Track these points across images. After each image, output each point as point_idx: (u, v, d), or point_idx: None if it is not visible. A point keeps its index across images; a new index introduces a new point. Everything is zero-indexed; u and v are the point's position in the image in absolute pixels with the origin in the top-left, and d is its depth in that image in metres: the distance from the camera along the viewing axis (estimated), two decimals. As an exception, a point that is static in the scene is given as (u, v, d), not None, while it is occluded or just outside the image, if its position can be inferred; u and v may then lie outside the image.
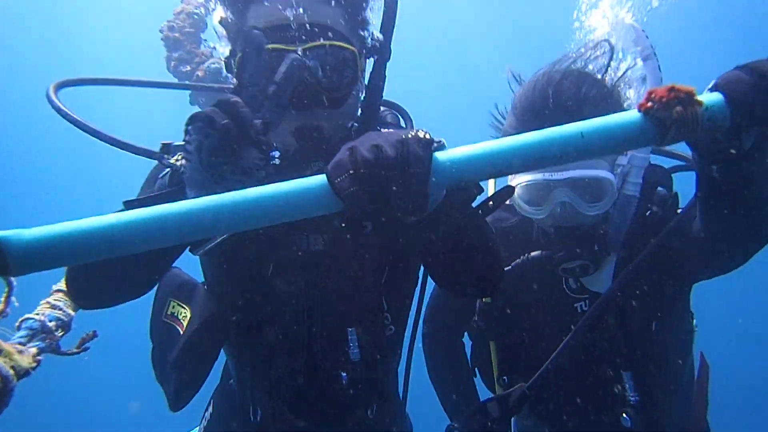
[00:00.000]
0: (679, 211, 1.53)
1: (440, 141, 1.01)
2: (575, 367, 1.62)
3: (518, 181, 1.50)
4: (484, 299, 1.71)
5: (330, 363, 1.48)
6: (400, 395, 1.82)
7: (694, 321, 1.89)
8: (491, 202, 1.16)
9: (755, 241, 1.30)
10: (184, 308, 1.47)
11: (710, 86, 0.99)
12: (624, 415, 1.54)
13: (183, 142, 1.03)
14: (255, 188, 0.96)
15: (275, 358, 1.49)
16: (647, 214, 1.54)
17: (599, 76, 1.51)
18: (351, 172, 0.94)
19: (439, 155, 1.01)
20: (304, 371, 1.49)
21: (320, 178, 0.98)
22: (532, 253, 1.58)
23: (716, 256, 1.42)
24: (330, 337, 1.47)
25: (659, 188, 1.57)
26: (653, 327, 1.57)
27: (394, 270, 1.49)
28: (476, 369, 1.89)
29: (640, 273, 1.47)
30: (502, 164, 1.01)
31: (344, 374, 1.48)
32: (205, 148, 1.00)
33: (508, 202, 1.67)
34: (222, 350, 1.57)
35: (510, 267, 1.61)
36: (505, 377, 1.76)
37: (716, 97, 0.96)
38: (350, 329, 1.46)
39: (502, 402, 1.55)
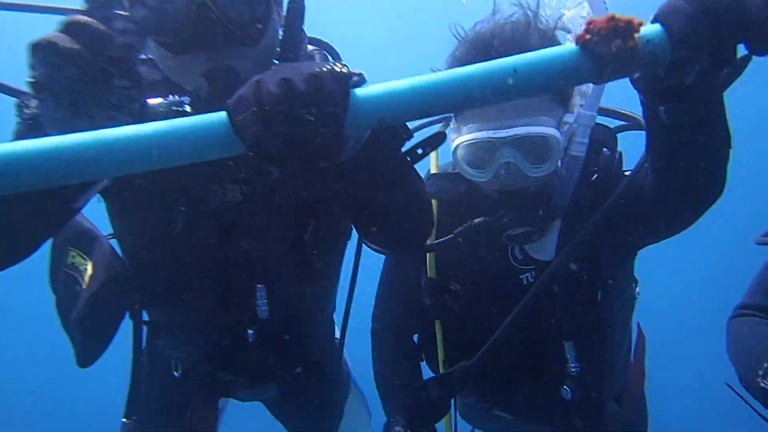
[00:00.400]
0: (627, 173, 1.46)
1: (359, 75, 0.90)
2: (518, 340, 1.55)
3: (460, 140, 1.41)
4: (429, 274, 1.61)
5: (237, 320, 1.43)
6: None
7: (638, 288, 1.86)
8: (420, 149, 1.06)
9: (708, 192, 1.22)
10: (86, 261, 1.37)
11: (652, 18, 0.91)
12: (564, 386, 1.49)
13: (31, 79, 0.88)
14: (146, 125, 0.83)
15: (188, 314, 1.44)
16: (593, 177, 1.46)
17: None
18: (254, 109, 0.83)
19: (359, 92, 0.90)
20: (215, 327, 1.45)
21: (220, 116, 0.86)
22: (476, 220, 1.48)
23: (667, 215, 1.34)
24: (239, 293, 1.40)
25: (604, 149, 1.50)
26: (598, 295, 1.51)
27: (320, 224, 1.40)
28: (423, 355, 1.80)
29: (587, 240, 1.41)
30: (429, 102, 0.91)
31: (250, 332, 1.43)
32: (58, 82, 0.86)
33: (453, 169, 1.58)
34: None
35: (452, 235, 1.51)
36: (450, 357, 1.67)
37: (656, 29, 0.88)
38: (259, 286, 1.39)
39: (443, 381, 1.47)
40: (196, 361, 1.59)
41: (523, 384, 1.63)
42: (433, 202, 1.57)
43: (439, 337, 1.62)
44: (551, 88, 0.92)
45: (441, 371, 1.63)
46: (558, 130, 1.37)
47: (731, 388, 1.38)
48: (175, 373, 1.65)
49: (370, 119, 0.91)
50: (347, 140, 0.96)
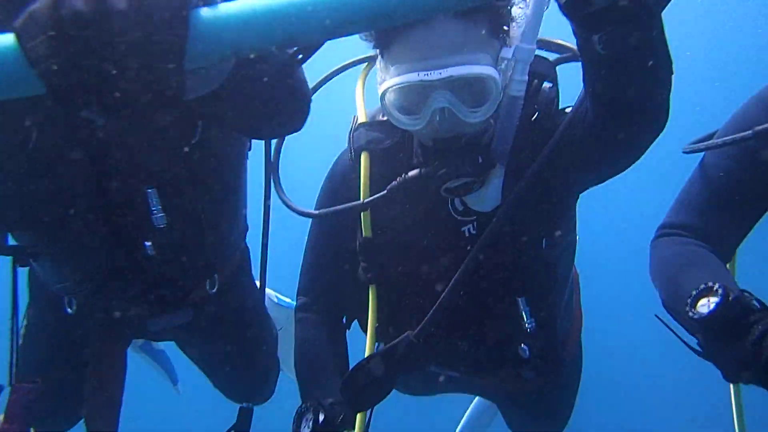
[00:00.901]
0: (567, 110, 1.33)
1: None
2: (465, 298, 1.44)
3: (388, 84, 1.23)
4: (363, 234, 1.45)
5: (130, 232, 1.32)
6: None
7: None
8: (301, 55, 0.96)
9: (651, 123, 1.13)
10: None
11: None
12: (522, 345, 1.40)
13: None
14: None
15: (72, 238, 1.30)
16: (534, 117, 1.33)
17: None
18: (51, 33, 0.61)
19: (205, 12, 0.69)
20: (105, 244, 1.32)
21: (6, 39, 0.64)
22: (410, 173, 1.32)
23: (609, 151, 1.24)
24: (127, 200, 1.28)
25: (545, 83, 1.33)
26: (543, 244, 1.40)
27: (208, 127, 1.28)
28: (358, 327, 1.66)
29: (530, 187, 1.28)
30: (305, 24, 0.70)
31: (148, 243, 1.33)
32: None
33: (383, 117, 1.41)
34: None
35: (386, 191, 1.36)
36: (390, 327, 1.52)
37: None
38: (149, 190, 1.28)
39: (387, 356, 1.30)
40: (90, 291, 1.45)
41: (474, 344, 1.53)
42: (363, 154, 1.43)
43: (372, 304, 1.47)
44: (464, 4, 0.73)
45: (372, 341, 1.48)
46: (496, 67, 1.22)
47: (660, 320, 1.29)
48: (69, 310, 1.50)
49: (222, 49, 0.70)
50: (195, 76, 0.75)
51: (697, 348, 1.17)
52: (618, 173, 1.33)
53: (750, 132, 1.24)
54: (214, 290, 1.61)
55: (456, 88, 1.20)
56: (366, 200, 1.38)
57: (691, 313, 1.09)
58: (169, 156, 1.27)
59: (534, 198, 1.31)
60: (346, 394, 1.29)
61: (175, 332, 1.74)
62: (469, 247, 1.35)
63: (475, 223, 1.40)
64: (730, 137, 1.29)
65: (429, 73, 1.17)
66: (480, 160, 1.27)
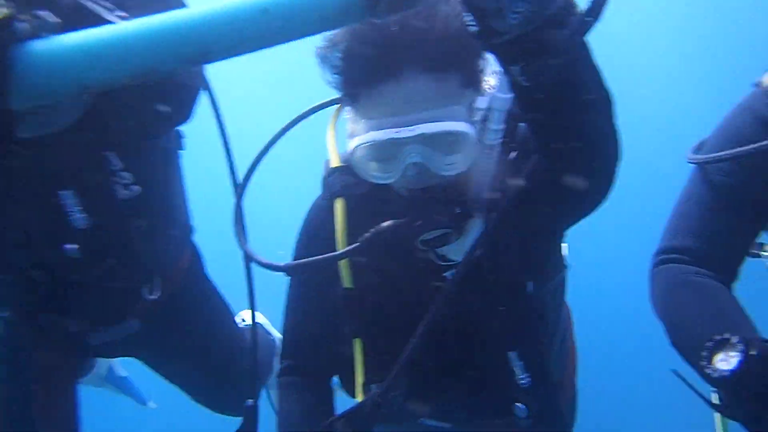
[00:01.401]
0: None
1: (37, 19, 0.62)
2: (450, 355, 1.33)
3: (358, 141, 1.16)
4: (345, 285, 1.34)
5: (50, 235, 1.28)
6: None
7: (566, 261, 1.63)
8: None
9: (597, 157, 1.02)
10: None
11: None
12: (518, 404, 1.26)
13: None
14: None
15: None
16: (510, 157, 1.23)
17: None
18: None
19: (39, 45, 0.62)
20: (25, 249, 1.29)
21: None
22: (384, 224, 1.21)
23: (562, 192, 1.11)
24: (43, 204, 1.25)
25: (520, 124, 1.24)
26: (530, 289, 1.28)
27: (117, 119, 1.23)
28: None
29: (502, 230, 1.18)
30: (154, 55, 0.64)
31: (72, 246, 1.29)
32: None
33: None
34: None
35: (358, 243, 1.25)
36: (373, 384, 1.37)
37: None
38: (64, 192, 1.24)
39: (352, 417, 1.21)
40: (16, 304, 1.43)
41: (468, 402, 1.40)
42: (338, 201, 1.34)
43: (359, 358, 1.35)
44: (317, 29, 0.65)
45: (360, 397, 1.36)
46: (470, 120, 1.14)
47: (678, 376, 1.17)
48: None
49: (62, 85, 0.64)
50: (38, 114, 0.69)
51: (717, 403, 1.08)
52: (591, 208, 1.21)
53: None
54: (157, 297, 1.53)
55: (429, 143, 1.13)
56: (339, 252, 1.27)
57: (709, 371, 1.00)
58: (85, 157, 1.24)
59: (511, 242, 1.21)
60: None
61: (128, 347, 1.66)
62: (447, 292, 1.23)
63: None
64: (753, 146, 1.20)
65: (399, 130, 1.10)
66: (457, 211, 1.18)
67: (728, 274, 1.32)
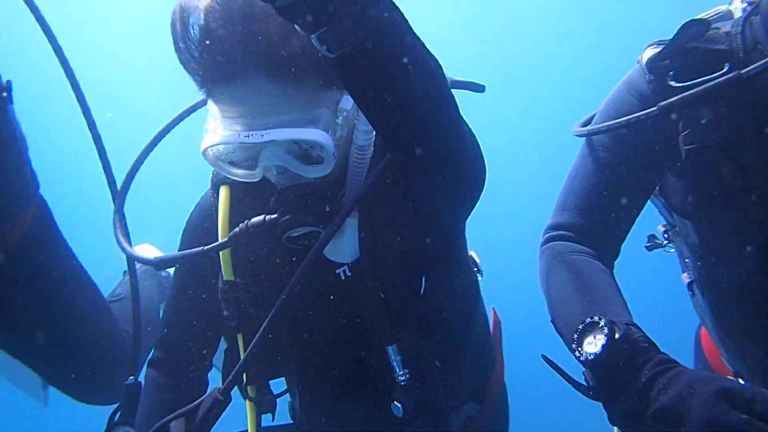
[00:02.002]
0: None
1: None
2: (324, 349, 1.29)
3: (208, 143, 1.11)
4: (224, 277, 1.28)
5: None
6: None
7: (478, 270, 1.59)
8: None
9: (426, 138, 0.98)
10: None
11: None
12: (395, 402, 1.18)
13: None
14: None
15: None
16: (386, 158, 1.18)
17: None
18: None
19: None
20: None
21: None
22: (253, 219, 1.18)
23: (419, 180, 1.13)
24: None
25: None
26: (421, 286, 1.23)
27: None
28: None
29: (379, 227, 1.16)
30: None
31: None
32: None
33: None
34: None
35: (227, 239, 1.21)
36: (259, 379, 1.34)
37: None
38: None
39: (190, 416, 1.12)
40: None
41: (346, 404, 1.35)
42: (223, 189, 1.29)
43: (243, 354, 1.28)
44: None
45: (250, 395, 1.31)
46: (331, 123, 1.09)
47: (547, 361, 1.17)
48: None
49: None
50: None
51: (585, 386, 1.06)
52: (473, 192, 1.21)
53: (655, 109, 1.22)
54: None
55: (287, 146, 1.09)
56: (207, 247, 1.21)
57: (578, 353, 1.03)
58: None
59: (391, 239, 1.17)
60: None
61: None
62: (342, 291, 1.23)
63: (349, 266, 1.24)
64: (634, 115, 1.26)
65: (250, 134, 1.04)
66: (327, 209, 1.14)
67: (610, 250, 1.36)
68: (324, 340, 1.28)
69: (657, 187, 1.41)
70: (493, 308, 1.72)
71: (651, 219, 1.69)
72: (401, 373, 1.17)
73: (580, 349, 1.03)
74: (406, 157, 1.01)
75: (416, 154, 0.98)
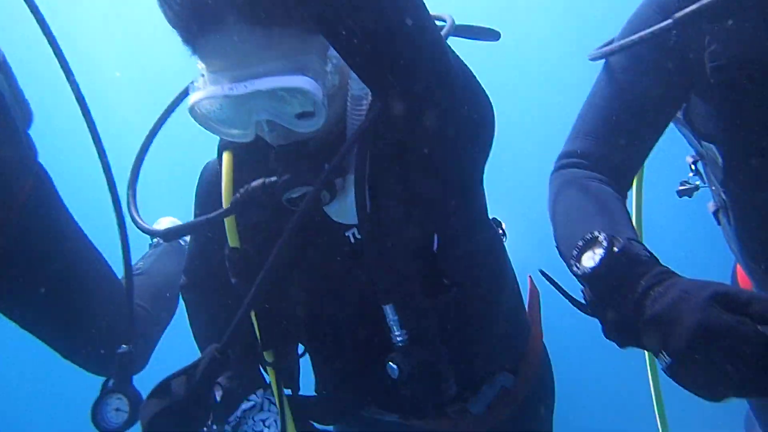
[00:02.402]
0: None
1: None
2: (333, 312, 1.25)
3: (194, 98, 1.06)
4: (230, 244, 1.25)
5: None
6: None
7: (503, 230, 1.50)
8: None
9: (411, 81, 0.91)
10: None
11: None
12: (390, 362, 1.11)
13: None
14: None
15: None
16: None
17: None
18: None
19: None
20: None
21: None
22: (254, 183, 1.14)
23: (404, 123, 1.03)
24: None
25: None
26: (433, 244, 1.17)
27: None
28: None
29: (383, 183, 1.10)
30: None
31: None
32: None
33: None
34: None
35: (229, 206, 1.18)
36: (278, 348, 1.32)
37: None
38: None
39: (190, 373, 1.11)
40: None
41: (344, 366, 1.33)
42: (226, 154, 1.26)
43: (256, 324, 1.27)
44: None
45: (267, 360, 1.30)
46: (321, 70, 1.03)
47: (543, 274, 1.16)
48: None
49: None
50: None
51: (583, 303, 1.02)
52: (466, 145, 1.11)
53: (670, 21, 1.12)
54: None
55: (276, 97, 1.03)
56: (210, 215, 1.18)
57: (575, 268, 0.99)
58: None
59: (395, 195, 1.11)
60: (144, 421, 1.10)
61: None
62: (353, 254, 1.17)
63: (357, 227, 1.19)
64: (649, 30, 1.15)
65: (233, 86, 0.98)
66: (327, 167, 1.08)
67: (624, 179, 1.29)
68: (333, 303, 1.25)
69: (681, 114, 1.32)
70: (530, 277, 1.64)
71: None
72: (398, 333, 1.13)
73: (578, 264, 0.98)
74: (387, 99, 0.94)
75: (397, 96, 0.92)
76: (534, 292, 1.65)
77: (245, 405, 1.30)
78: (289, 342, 1.31)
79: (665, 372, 0.84)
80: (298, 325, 1.25)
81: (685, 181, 1.68)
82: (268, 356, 1.28)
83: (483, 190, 1.32)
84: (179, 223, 2.32)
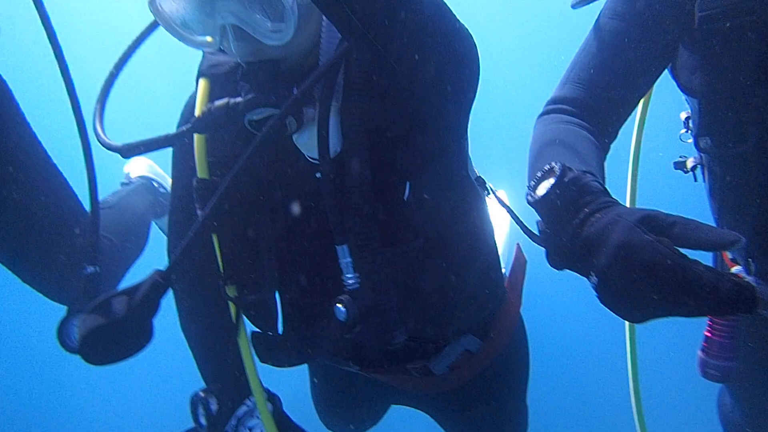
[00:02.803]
0: None
1: None
2: (294, 249, 1.19)
3: None
4: (198, 174, 1.19)
5: None
6: None
7: (488, 191, 1.42)
8: None
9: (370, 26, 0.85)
10: None
11: None
12: (338, 304, 1.05)
13: None
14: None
15: None
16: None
17: None
18: None
19: None
20: None
21: None
22: (217, 102, 1.06)
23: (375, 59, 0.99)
24: None
25: None
26: (405, 192, 1.11)
27: None
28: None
29: (351, 116, 1.03)
30: None
31: None
32: None
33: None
34: None
35: (190, 125, 1.10)
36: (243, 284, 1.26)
37: None
38: None
39: (133, 294, 1.06)
40: None
41: (294, 303, 1.27)
42: (201, 81, 1.21)
43: (219, 256, 1.22)
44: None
45: (229, 294, 1.24)
46: None
47: (499, 201, 1.23)
48: None
49: None
50: None
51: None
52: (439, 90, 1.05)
53: None
54: None
55: (246, 1, 0.97)
56: (172, 133, 1.12)
57: (530, 197, 0.99)
58: None
59: (363, 130, 1.04)
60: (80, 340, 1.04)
61: None
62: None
63: None
64: None
65: None
66: (294, 92, 1.01)
67: (609, 128, 1.28)
68: (296, 241, 1.19)
69: (668, 69, 1.30)
70: (518, 245, 1.59)
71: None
72: (351, 276, 1.07)
73: (533, 193, 0.99)
74: (349, 31, 0.87)
75: (362, 40, 0.87)
76: (519, 260, 1.58)
77: (240, 411, 1.26)
78: (255, 277, 1.24)
79: (595, 293, 0.87)
80: (261, 260, 1.19)
81: (683, 156, 1.63)
82: (230, 291, 1.22)
83: (465, 146, 1.26)
84: (154, 165, 2.26)
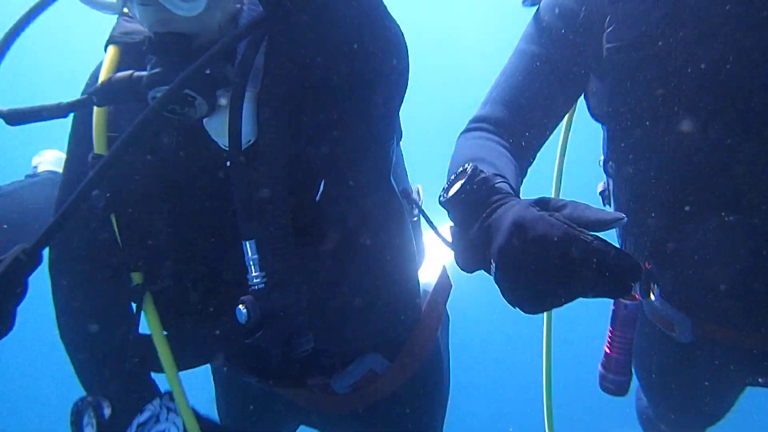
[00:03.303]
0: None
1: None
2: (198, 240, 1.12)
3: None
4: (95, 149, 1.10)
5: None
6: None
7: (415, 205, 1.39)
8: None
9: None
10: None
11: None
12: (240, 306, 0.96)
13: None
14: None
15: None
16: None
17: None
18: None
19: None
20: None
21: None
22: (119, 73, 0.99)
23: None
24: None
25: None
26: (318, 189, 1.07)
27: None
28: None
29: (268, 103, 0.96)
30: None
31: None
32: None
33: None
34: None
35: (86, 95, 1.03)
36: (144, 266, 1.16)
37: None
38: None
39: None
40: None
41: (208, 306, 1.17)
42: (111, 48, 1.12)
43: (120, 239, 1.12)
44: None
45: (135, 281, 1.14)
46: None
47: (423, 215, 1.28)
48: None
49: None
50: None
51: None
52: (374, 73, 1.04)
53: None
54: None
55: None
56: (65, 102, 1.03)
57: (442, 197, 0.98)
58: None
59: (282, 121, 0.98)
60: None
61: None
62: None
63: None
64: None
65: None
66: (207, 72, 0.94)
67: (527, 151, 1.29)
68: (200, 232, 1.12)
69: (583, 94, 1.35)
70: (445, 267, 1.53)
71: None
72: (256, 275, 0.97)
73: (445, 194, 0.98)
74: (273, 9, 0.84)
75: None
76: (443, 284, 1.51)
77: (140, 417, 1.14)
78: (158, 264, 1.14)
79: (497, 285, 0.86)
80: (162, 249, 1.11)
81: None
82: (136, 277, 1.12)
83: (391, 153, 1.21)
84: (63, 155, 2.12)
